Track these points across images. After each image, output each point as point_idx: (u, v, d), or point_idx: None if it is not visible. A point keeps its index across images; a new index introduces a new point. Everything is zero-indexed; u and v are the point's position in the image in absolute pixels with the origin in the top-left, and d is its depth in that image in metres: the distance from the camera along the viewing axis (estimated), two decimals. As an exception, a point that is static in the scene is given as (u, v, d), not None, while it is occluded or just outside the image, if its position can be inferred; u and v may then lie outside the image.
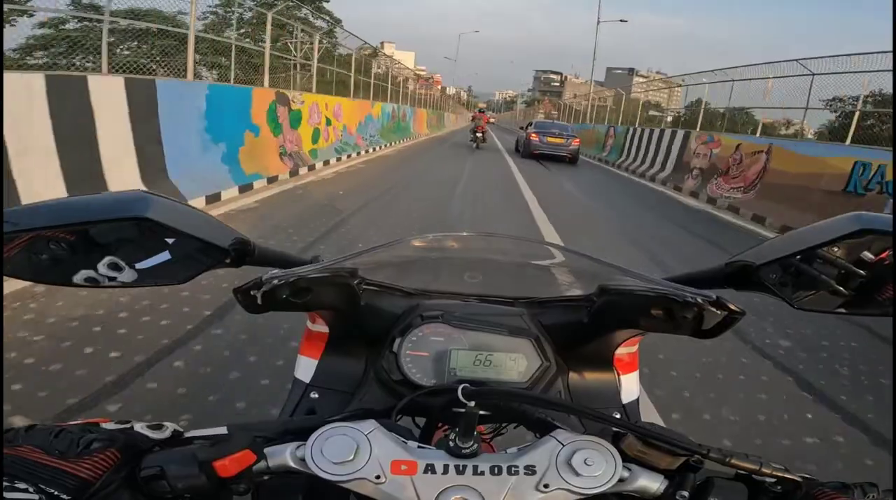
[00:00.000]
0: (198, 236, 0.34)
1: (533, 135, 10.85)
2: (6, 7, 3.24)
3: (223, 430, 0.32)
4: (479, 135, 11.91)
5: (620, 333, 0.42)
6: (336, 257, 0.42)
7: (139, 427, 0.31)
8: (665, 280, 0.40)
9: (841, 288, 0.35)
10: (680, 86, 10.80)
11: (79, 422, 0.30)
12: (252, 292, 0.34)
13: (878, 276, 0.34)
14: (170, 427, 0.32)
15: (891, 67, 5.16)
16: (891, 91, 5.66)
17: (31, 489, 0.25)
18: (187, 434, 0.32)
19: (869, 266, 0.34)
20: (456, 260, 0.60)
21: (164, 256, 0.33)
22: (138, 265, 0.33)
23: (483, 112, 13.06)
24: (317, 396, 0.43)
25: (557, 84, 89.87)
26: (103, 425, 0.30)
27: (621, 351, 0.44)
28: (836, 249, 0.34)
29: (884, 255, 0.34)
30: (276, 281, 0.34)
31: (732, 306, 0.34)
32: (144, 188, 0.36)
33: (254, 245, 0.38)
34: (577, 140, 10.97)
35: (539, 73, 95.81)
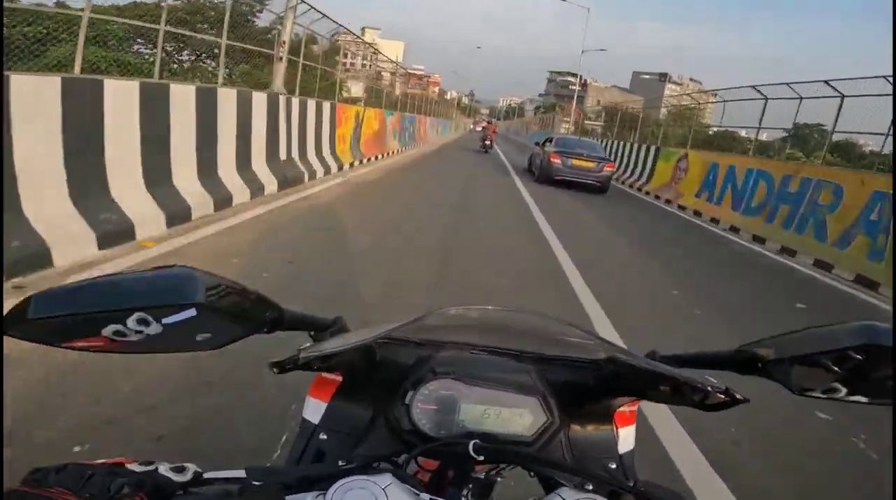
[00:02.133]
0: (238, 314, 0.42)
1: (554, 156, 10.31)
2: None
3: (241, 473, 0.40)
4: (487, 142, 17.94)
5: (624, 397, 0.52)
6: (360, 327, 0.56)
7: (163, 470, 0.39)
8: (670, 358, 0.53)
9: (847, 380, 0.43)
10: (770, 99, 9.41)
11: (105, 461, 0.38)
12: (288, 366, 0.44)
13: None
14: (191, 469, 0.40)
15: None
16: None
17: None
18: (206, 475, 0.41)
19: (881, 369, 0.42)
20: (476, 321, 0.69)
21: (191, 312, 0.39)
22: (164, 320, 0.39)
23: (491, 123, 20.63)
24: (325, 437, 0.52)
25: (577, 88, 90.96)
26: (129, 466, 0.38)
27: (623, 409, 0.54)
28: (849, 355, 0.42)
29: None
30: (312, 356, 0.45)
31: (739, 396, 0.43)
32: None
33: (284, 312, 0.48)
34: (612, 165, 10.37)
35: (553, 75, 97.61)
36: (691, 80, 76.39)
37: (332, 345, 0.48)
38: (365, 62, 14.97)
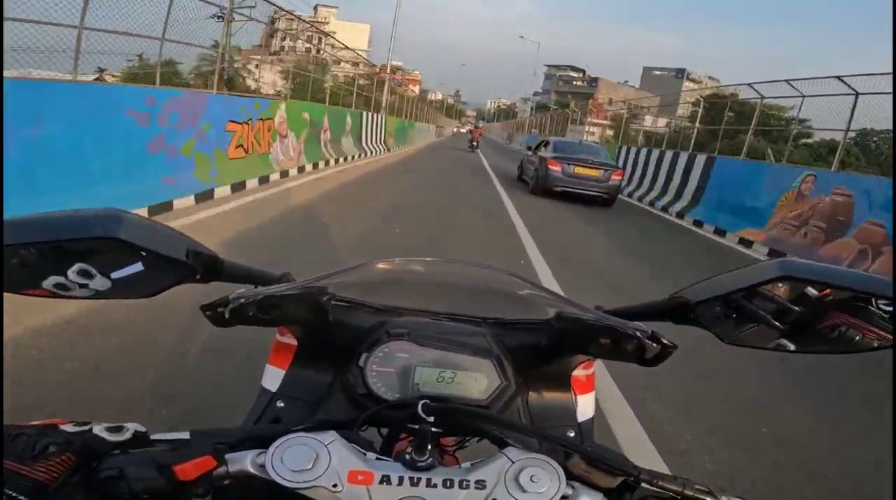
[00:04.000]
0: (167, 254, 0.48)
1: (553, 163, 9.92)
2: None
3: (186, 435, 0.46)
4: (473, 143, 23.82)
5: (576, 357, 0.64)
6: (306, 277, 0.63)
7: (98, 430, 0.43)
8: (614, 312, 0.62)
9: (777, 323, 0.52)
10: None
11: (38, 423, 0.42)
12: (219, 309, 0.51)
13: (814, 312, 0.51)
14: (131, 428, 0.44)
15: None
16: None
17: None
18: (151, 437, 0.46)
19: (808, 302, 0.51)
20: (424, 280, 0.84)
21: (137, 266, 0.47)
22: (112, 275, 0.47)
23: (477, 127, 27.88)
24: (282, 405, 0.61)
25: (581, 83, 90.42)
26: (62, 427, 0.42)
27: (578, 372, 0.65)
28: (766, 290, 0.51)
29: (826, 292, 0.50)
30: (242, 300, 0.51)
31: (665, 341, 0.52)
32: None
33: (223, 262, 0.55)
34: (619, 173, 9.84)
35: (552, 70, 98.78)
36: (710, 78, 77.68)
37: (269, 291, 0.55)
38: (313, 46, 14.34)
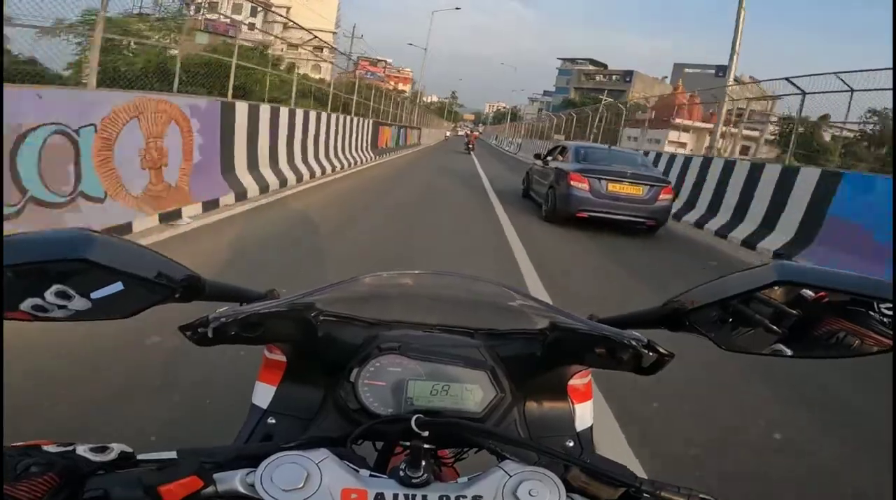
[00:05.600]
0: (140, 275, 0.54)
1: (576, 178, 8.12)
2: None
3: (173, 454, 0.51)
4: (469, 145, 29.61)
5: (572, 367, 0.71)
6: (292, 293, 0.67)
7: (82, 450, 0.47)
8: (609, 320, 0.69)
9: (774, 328, 0.57)
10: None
11: (20, 444, 0.46)
12: (200, 330, 0.56)
13: (811, 317, 0.56)
14: (116, 449, 0.49)
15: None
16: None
17: None
18: (137, 457, 0.50)
19: (805, 306, 0.56)
20: (414, 293, 0.91)
21: (118, 286, 0.52)
22: (92, 295, 0.52)
23: (473, 131, 36.71)
24: (274, 422, 0.67)
25: (603, 79, 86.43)
26: (46, 447, 0.46)
27: (575, 381, 0.72)
28: (762, 295, 0.56)
29: (822, 295, 0.55)
30: (223, 319, 0.57)
31: (661, 349, 0.59)
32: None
33: (204, 281, 0.61)
34: (669, 189, 8.17)
35: (566, 64, 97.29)
36: (750, 77, 75.47)
37: (252, 308, 0.60)
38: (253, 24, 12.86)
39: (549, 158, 9.80)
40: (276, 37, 13.91)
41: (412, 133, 29.96)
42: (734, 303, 0.57)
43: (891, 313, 0.53)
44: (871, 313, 0.54)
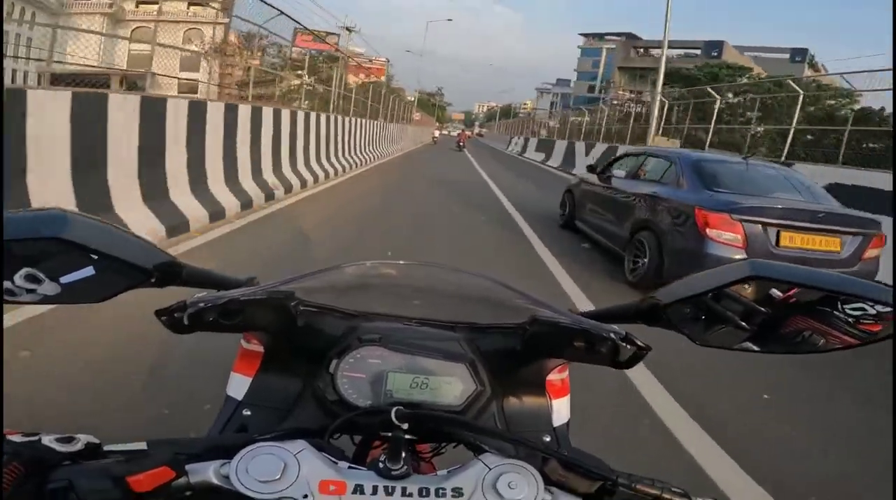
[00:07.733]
0: (116, 256, 0.60)
1: (716, 220, 5.54)
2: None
3: (143, 445, 0.58)
4: (461, 143, 43.58)
5: (550, 361, 0.83)
6: (273, 281, 0.77)
7: (47, 441, 0.53)
8: (588, 314, 0.82)
9: (744, 324, 0.69)
10: None
11: None
12: (176, 315, 0.64)
13: (781, 314, 0.68)
14: (82, 440, 0.55)
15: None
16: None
17: None
18: (106, 448, 0.57)
19: (774, 304, 0.68)
20: (397, 284, 1.07)
21: (88, 270, 0.59)
22: (62, 279, 0.59)
23: (463, 131, 56.25)
24: (249, 413, 0.77)
25: (650, 57, 62.89)
26: (10, 437, 0.52)
27: (553, 377, 0.86)
28: (735, 292, 0.68)
29: (791, 292, 0.67)
30: (202, 304, 0.65)
31: (639, 342, 0.71)
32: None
33: (182, 266, 0.69)
34: (880, 239, 5.83)
35: (590, 41, 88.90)
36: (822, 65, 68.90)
37: (231, 294, 0.68)
38: None
39: (618, 171, 7.81)
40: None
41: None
42: (708, 300, 0.70)
43: (854, 312, 0.65)
44: (836, 312, 0.66)
